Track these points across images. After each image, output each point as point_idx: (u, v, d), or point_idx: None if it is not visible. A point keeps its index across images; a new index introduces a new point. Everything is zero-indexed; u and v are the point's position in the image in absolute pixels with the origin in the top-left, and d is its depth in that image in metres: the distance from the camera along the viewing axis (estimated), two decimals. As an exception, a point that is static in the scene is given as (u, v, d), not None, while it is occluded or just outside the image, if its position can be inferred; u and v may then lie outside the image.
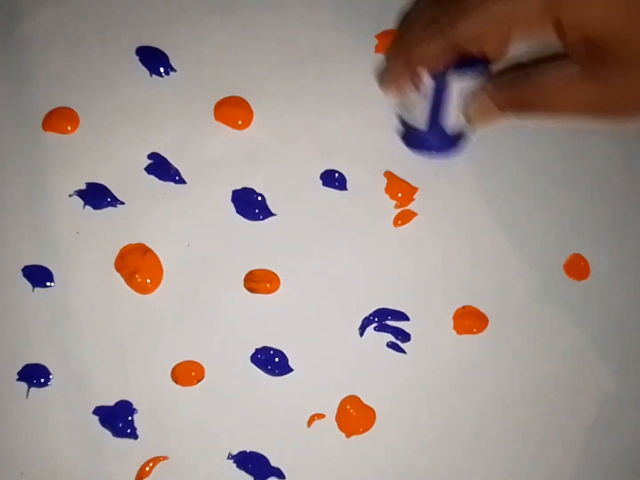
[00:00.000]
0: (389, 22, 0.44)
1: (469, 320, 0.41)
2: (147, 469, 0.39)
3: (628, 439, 0.40)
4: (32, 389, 0.39)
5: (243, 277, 0.41)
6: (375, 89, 0.43)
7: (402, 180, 0.42)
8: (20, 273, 0.40)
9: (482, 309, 0.41)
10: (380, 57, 0.44)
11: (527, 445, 0.40)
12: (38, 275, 0.41)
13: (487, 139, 0.42)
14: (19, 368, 0.40)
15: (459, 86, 0.35)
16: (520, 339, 0.41)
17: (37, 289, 0.40)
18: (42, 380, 0.40)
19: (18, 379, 0.39)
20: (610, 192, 0.42)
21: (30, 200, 0.41)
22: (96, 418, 0.39)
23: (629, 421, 0.41)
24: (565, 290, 0.41)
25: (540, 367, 0.41)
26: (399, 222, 0.42)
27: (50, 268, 0.41)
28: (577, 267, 0.41)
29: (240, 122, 0.43)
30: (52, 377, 0.40)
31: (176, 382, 0.40)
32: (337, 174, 0.42)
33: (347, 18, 0.44)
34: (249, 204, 0.42)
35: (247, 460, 0.39)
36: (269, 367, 0.40)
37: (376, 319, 0.41)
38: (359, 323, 0.41)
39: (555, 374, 0.41)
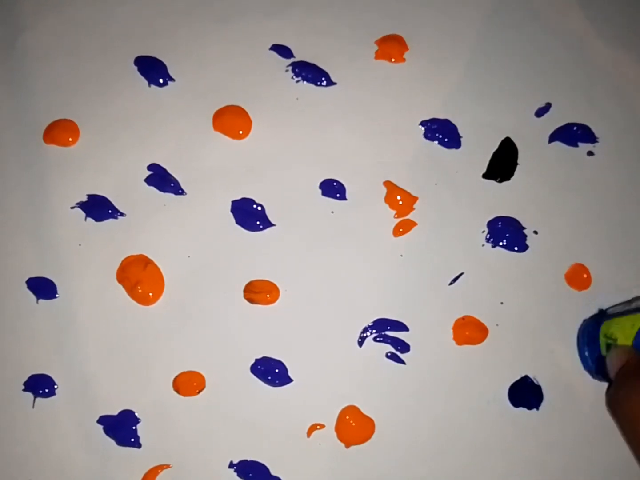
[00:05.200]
0: (389, 27, 0.43)
1: (469, 330, 0.41)
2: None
3: (625, 445, 0.40)
4: (38, 399, 0.40)
5: (243, 287, 0.41)
6: (375, 96, 0.43)
7: (402, 190, 0.42)
8: (25, 285, 0.41)
9: (482, 320, 0.41)
10: (380, 63, 0.43)
11: (527, 453, 0.40)
12: (42, 287, 0.41)
13: (489, 150, 0.42)
14: (24, 378, 0.41)
15: None
16: (521, 349, 0.41)
17: (41, 301, 0.41)
18: (48, 390, 0.40)
19: (24, 389, 0.40)
20: (612, 202, 0.42)
21: (33, 212, 0.42)
22: (100, 427, 0.40)
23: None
24: (566, 300, 0.41)
25: (541, 376, 0.40)
26: (399, 231, 0.42)
27: (54, 280, 0.41)
28: (578, 277, 0.41)
29: (239, 132, 0.42)
30: (57, 387, 0.41)
31: (178, 392, 0.40)
32: (336, 184, 0.42)
33: (347, 24, 0.43)
34: (249, 214, 0.42)
35: (247, 469, 0.40)
36: (269, 378, 0.40)
37: (375, 330, 0.41)
38: (359, 333, 0.41)
39: (556, 383, 0.40)
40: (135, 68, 0.43)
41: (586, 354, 0.39)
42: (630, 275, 0.41)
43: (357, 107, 0.43)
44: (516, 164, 0.42)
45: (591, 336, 0.38)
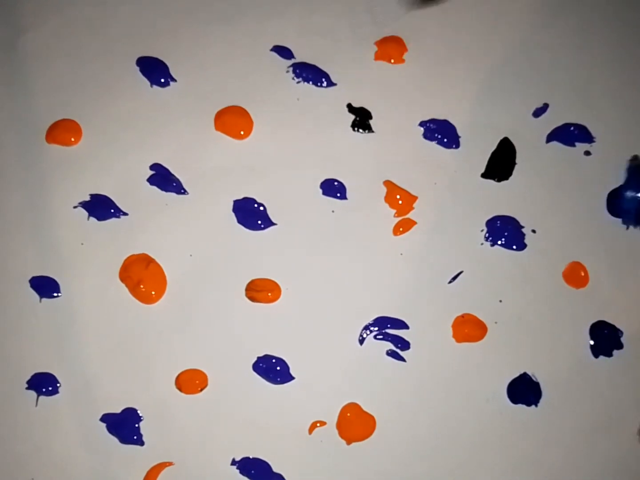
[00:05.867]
0: (389, 29, 0.44)
1: (468, 328, 0.41)
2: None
3: (626, 442, 0.41)
4: (41, 397, 0.41)
5: (245, 286, 0.42)
6: (375, 97, 0.43)
7: (402, 189, 0.42)
8: (28, 284, 0.41)
9: (481, 317, 0.41)
10: (380, 64, 0.43)
11: (526, 449, 0.41)
12: (45, 286, 0.42)
13: (487, 150, 0.43)
14: (28, 377, 0.41)
15: None
16: (519, 346, 0.41)
17: (44, 300, 0.41)
18: (51, 388, 0.41)
19: (27, 388, 0.41)
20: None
21: (36, 212, 0.42)
22: (103, 425, 0.41)
23: (626, 424, 0.41)
24: (564, 298, 0.41)
25: (539, 374, 0.41)
26: (399, 230, 0.42)
27: (57, 279, 0.42)
28: (576, 275, 0.41)
29: (241, 132, 0.43)
30: (60, 386, 0.41)
31: (180, 390, 0.41)
32: (337, 183, 0.42)
33: (346, 25, 0.44)
34: (250, 213, 0.42)
35: (249, 466, 0.40)
36: (271, 375, 0.41)
37: (376, 328, 0.41)
38: (359, 331, 0.41)
39: (554, 380, 0.41)
40: (138, 68, 0.43)
41: (630, 194, 0.37)
42: (627, 274, 0.42)
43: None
44: (514, 163, 0.43)
45: None
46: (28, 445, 0.40)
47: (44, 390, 0.41)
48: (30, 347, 0.41)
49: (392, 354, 0.41)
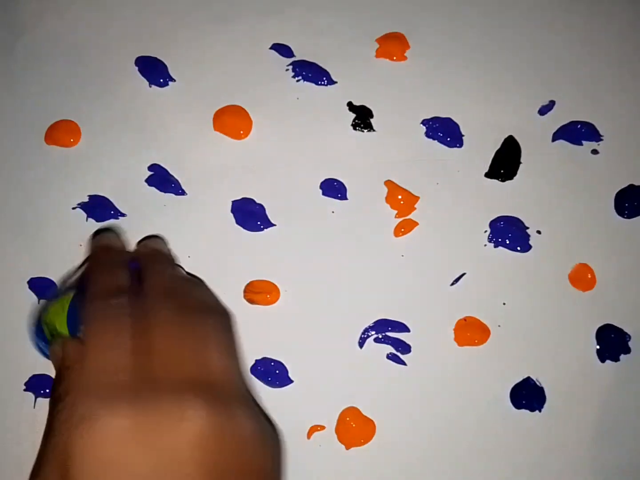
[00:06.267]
0: (391, 25, 0.43)
1: (470, 331, 0.40)
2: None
3: (633, 449, 0.40)
4: (39, 399, 0.41)
5: (243, 288, 0.41)
6: (376, 95, 0.42)
7: (403, 189, 0.41)
8: (26, 285, 0.41)
9: (483, 321, 0.40)
10: (381, 61, 0.43)
11: (529, 455, 0.40)
12: (43, 288, 0.41)
13: (492, 149, 0.42)
14: (26, 378, 0.41)
15: None
16: (522, 350, 0.40)
17: (42, 301, 0.41)
18: (49, 390, 0.41)
19: (25, 389, 0.41)
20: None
21: (34, 213, 0.42)
22: (101, 427, 0.40)
23: (633, 431, 0.40)
24: (569, 301, 0.40)
25: (543, 378, 0.40)
26: (400, 231, 0.41)
27: (55, 280, 0.41)
28: (582, 278, 0.40)
29: (240, 132, 0.42)
30: (59, 388, 0.41)
31: (178, 392, 0.40)
32: (337, 183, 0.42)
33: (347, 22, 0.43)
34: (249, 214, 0.42)
35: (247, 470, 0.40)
36: (269, 379, 0.40)
37: (376, 330, 0.40)
38: (359, 334, 0.41)
39: (559, 385, 0.40)
40: (136, 68, 0.43)
41: (40, 346, 0.36)
42: (635, 276, 0.40)
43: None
44: (519, 162, 0.42)
45: (39, 327, 0.36)
46: (25, 447, 0.40)
47: (42, 392, 0.41)
48: (28, 349, 0.41)
49: (392, 357, 0.40)
